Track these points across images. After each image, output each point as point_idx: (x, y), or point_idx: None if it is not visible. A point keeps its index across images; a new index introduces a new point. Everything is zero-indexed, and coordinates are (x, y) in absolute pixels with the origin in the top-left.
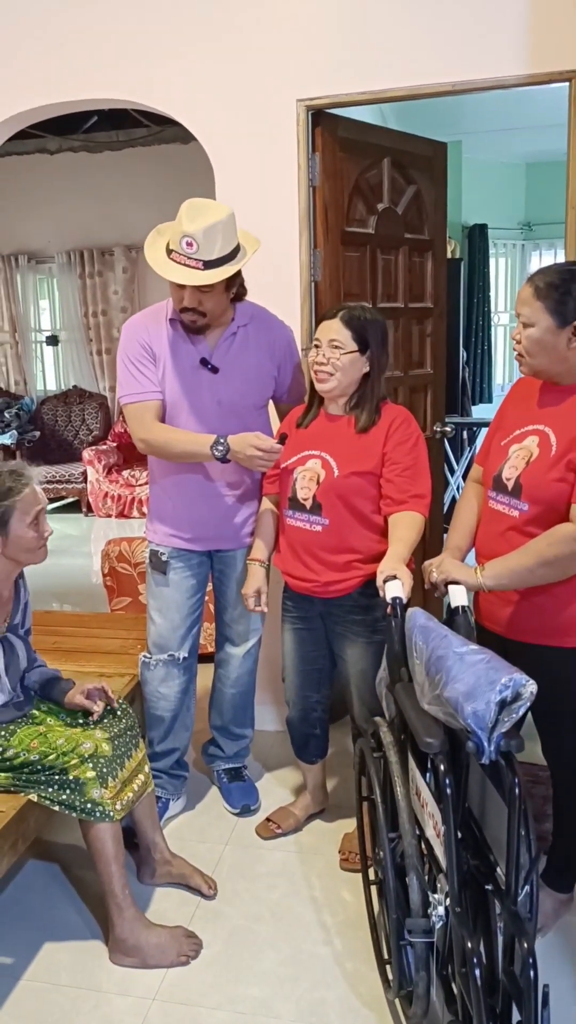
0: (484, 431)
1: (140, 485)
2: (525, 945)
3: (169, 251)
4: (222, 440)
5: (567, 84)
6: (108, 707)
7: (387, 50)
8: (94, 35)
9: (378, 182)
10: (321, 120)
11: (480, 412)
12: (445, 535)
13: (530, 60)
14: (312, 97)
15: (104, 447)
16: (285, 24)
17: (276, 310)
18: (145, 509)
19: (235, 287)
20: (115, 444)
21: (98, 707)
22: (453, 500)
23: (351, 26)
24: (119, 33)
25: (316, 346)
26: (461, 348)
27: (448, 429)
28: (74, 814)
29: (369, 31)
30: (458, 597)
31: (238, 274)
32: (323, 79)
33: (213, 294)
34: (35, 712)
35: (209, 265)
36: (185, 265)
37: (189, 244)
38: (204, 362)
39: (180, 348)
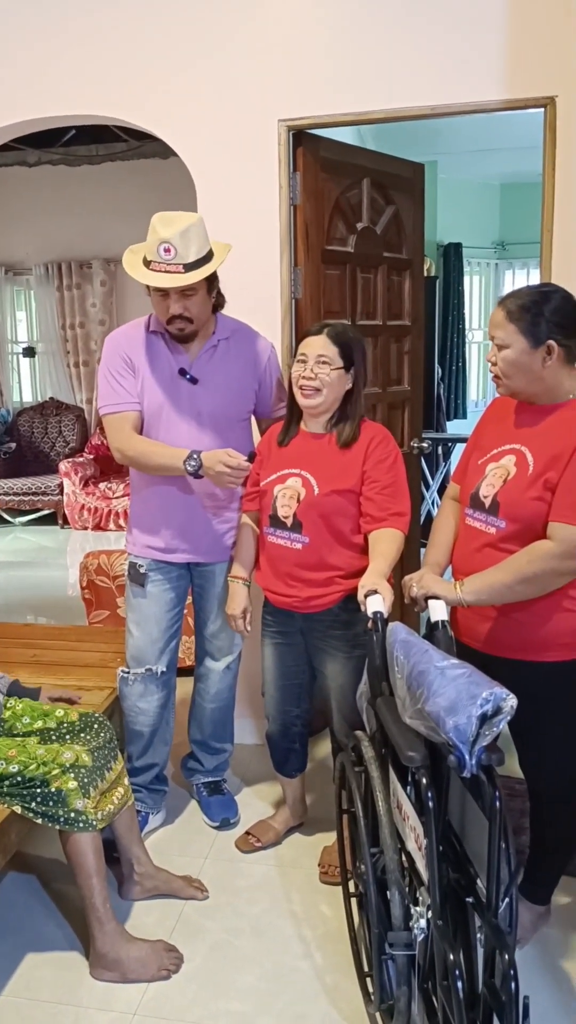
0: (459, 447)
1: (117, 498)
2: (506, 958)
3: (148, 263)
4: (195, 455)
5: (543, 110)
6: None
7: (368, 73)
8: (80, 53)
9: (358, 202)
10: (303, 140)
11: (455, 428)
12: (422, 549)
13: (508, 85)
14: (294, 118)
15: (81, 459)
16: (268, 45)
17: (257, 326)
18: (122, 522)
19: (215, 292)
20: (92, 456)
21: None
22: (428, 515)
23: (333, 49)
24: (105, 51)
25: (302, 361)
26: (436, 365)
27: (425, 445)
28: (56, 825)
29: (351, 54)
30: (438, 612)
31: (217, 279)
32: (305, 100)
33: (198, 298)
34: (6, 720)
35: (189, 267)
36: (166, 271)
37: (167, 250)
38: (183, 372)
39: (160, 359)
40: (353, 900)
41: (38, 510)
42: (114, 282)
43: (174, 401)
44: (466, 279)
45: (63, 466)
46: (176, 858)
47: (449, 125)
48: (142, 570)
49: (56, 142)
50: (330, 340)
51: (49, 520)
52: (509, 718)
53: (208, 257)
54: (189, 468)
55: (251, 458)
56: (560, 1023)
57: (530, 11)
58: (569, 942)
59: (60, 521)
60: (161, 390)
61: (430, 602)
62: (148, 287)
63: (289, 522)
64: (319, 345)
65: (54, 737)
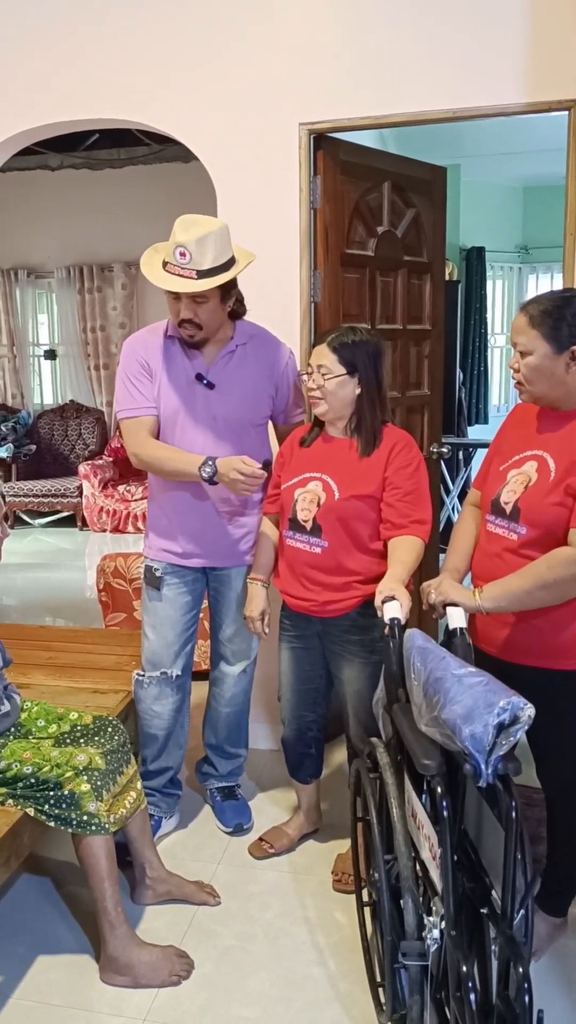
0: (480, 452)
1: (135, 500)
2: (520, 970)
3: (165, 264)
4: (211, 461)
5: (567, 113)
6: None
7: (389, 76)
8: (100, 56)
9: (378, 205)
10: (323, 143)
11: (476, 433)
12: (441, 555)
13: (530, 88)
14: (314, 121)
15: (100, 462)
16: (288, 48)
17: (276, 330)
18: (140, 524)
19: (231, 300)
20: (111, 459)
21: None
22: (448, 520)
23: (354, 51)
24: (125, 54)
25: (309, 372)
26: (458, 369)
27: (445, 450)
28: (69, 829)
29: (372, 57)
30: (456, 619)
31: (234, 288)
32: (325, 103)
33: (208, 305)
34: (23, 724)
35: (202, 275)
36: (179, 275)
37: (182, 254)
38: (200, 377)
39: (176, 364)
40: (367, 909)
41: (57, 512)
42: (135, 285)
43: (190, 406)
44: (489, 283)
45: (82, 468)
46: (189, 863)
47: (472, 128)
48: (158, 574)
49: (78, 146)
50: (329, 349)
51: (68, 522)
52: (526, 728)
53: (227, 266)
54: (204, 474)
55: (266, 466)
56: None
57: (552, 13)
58: None
59: (79, 523)
60: (178, 395)
61: (448, 609)
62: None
63: (309, 526)
64: (320, 355)
65: (68, 740)
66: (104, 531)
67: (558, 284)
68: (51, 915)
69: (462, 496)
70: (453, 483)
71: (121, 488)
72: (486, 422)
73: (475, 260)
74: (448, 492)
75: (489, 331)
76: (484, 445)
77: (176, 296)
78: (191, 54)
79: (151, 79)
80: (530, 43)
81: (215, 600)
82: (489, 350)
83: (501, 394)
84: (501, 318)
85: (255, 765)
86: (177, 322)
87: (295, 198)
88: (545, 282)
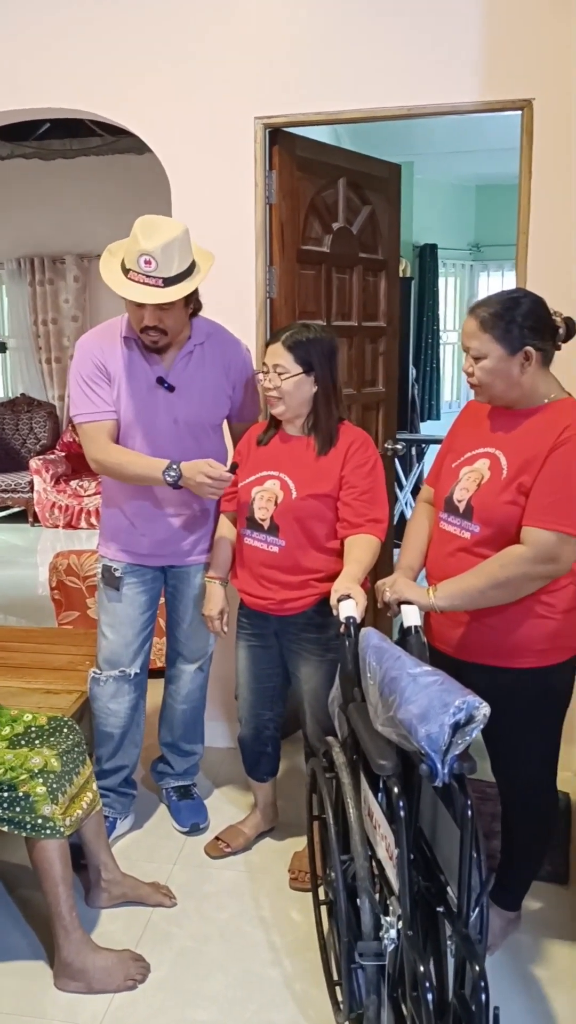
0: (433, 448)
1: (88, 496)
2: (477, 968)
3: (126, 270)
4: (175, 466)
5: (520, 112)
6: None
7: (346, 72)
8: (55, 46)
9: (334, 201)
10: (279, 139)
11: (428, 429)
12: (395, 551)
13: (486, 87)
14: (270, 115)
15: (52, 456)
16: (245, 42)
17: (231, 327)
18: (94, 520)
19: (193, 302)
20: (63, 454)
21: None
22: (402, 516)
23: (311, 47)
24: (80, 44)
25: (265, 371)
26: (411, 366)
27: (399, 447)
28: (23, 832)
29: (329, 53)
30: (411, 617)
31: (196, 289)
32: (281, 98)
33: (174, 311)
34: None
35: (169, 282)
36: (144, 284)
37: (147, 262)
38: (161, 381)
39: (136, 367)
40: (323, 907)
41: (8, 507)
42: (87, 278)
43: (151, 409)
44: (441, 280)
45: (34, 463)
46: (144, 864)
47: (425, 126)
48: (117, 574)
49: (30, 136)
50: (285, 348)
51: (19, 518)
52: (482, 727)
53: (189, 271)
54: (168, 479)
55: (233, 469)
56: None
57: (509, 13)
58: (539, 948)
59: (31, 519)
60: (138, 399)
61: (403, 607)
62: None
63: (266, 524)
64: (276, 354)
65: (23, 742)
66: (56, 527)
67: (510, 282)
68: (2, 920)
69: (415, 492)
70: (406, 479)
71: (74, 483)
72: (438, 418)
73: (428, 257)
74: (401, 488)
75: (441, 328)
76: (437, 441)
77: (139, 303)
78: (148, 46)
79: (107, 70)
80: (486, 42)
81: (173, 597)
82: (441, 347)
83: (453, 390)
84: (453, 315)
85: (211, 763)
86: (139, 328)
87: (251, 193)
88: (496, 280)
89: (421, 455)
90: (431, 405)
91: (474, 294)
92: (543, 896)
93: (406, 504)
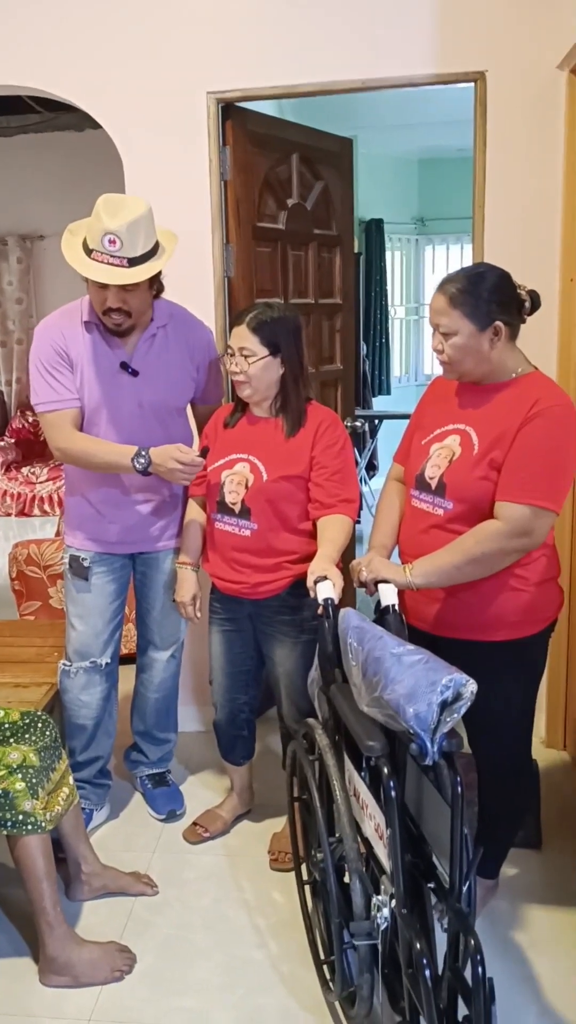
0: (387, 424)
1: (41, 482)
2: (472, 942)
3: (89, 250)
4: (143, 452)
5: (473, 84)
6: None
7: (298, 45)
8: None
9: (287, 177)
10: (231, 114)
11: (380, 404)
12: (357, 526)
13: (439, 59)
14: (222, 90)
15: (1, 443)
16: (196, 15)
17: (190, 306)
18: (47, 507)
19: (156, 284)
20: (13, 440)
21: None
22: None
23: (262, 20)
24: (22, 17)
25: (231, 354)
26: (361, 341)
27: (359, 424)
28: (4, 830)
29: (280, 26)
30: (388, 596)
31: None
32: (233, 72)
33: (138, 292)
34: None
35: (134, 262)
36: (109, 264)
37: (112, 242)
38: (124, 366)
39: (98, 352)
40: (307, 886)
41: None
42: (30, 259)
43: (115, 396)
44: (388, 255)
45: None
46: (122, 854)
47: (368, 100)
48: (86, 563)
49: None
50: (250, 331)
51: None
52: (470, 703)
53: (154, 251)
54: (138, 466)
55: (204, 453)
56: (510, 995)
57: None
58: (517, 914)
59: None
60: (102, 385)
61: (380, 586)
62: None
63: (237, 508)
64: (239, 336)
65: None
66: (9, 515)
67: (455, 255)
68: None
69: (369, 467)
70: (361, 455)
71: (25, 470)
72: (389, 393)
73: (374, 232)
74: (356, 464)
75: (389, 303)
76: (390, 416)
77: (103, 285)
78: (94, 19)
79: (54, 45)
80: (439, 14)
81: (142, 584)
82: (390, 321)
83: (402, 365)
84: (401, 289)
85: (184, 748)
86: (102, 311)
87: (205, 169)
88: (442, 253)
89: (375, 431)
90: (381, 380)
91: (420, 268)
92: (518, 862)
93: (361, 480)
